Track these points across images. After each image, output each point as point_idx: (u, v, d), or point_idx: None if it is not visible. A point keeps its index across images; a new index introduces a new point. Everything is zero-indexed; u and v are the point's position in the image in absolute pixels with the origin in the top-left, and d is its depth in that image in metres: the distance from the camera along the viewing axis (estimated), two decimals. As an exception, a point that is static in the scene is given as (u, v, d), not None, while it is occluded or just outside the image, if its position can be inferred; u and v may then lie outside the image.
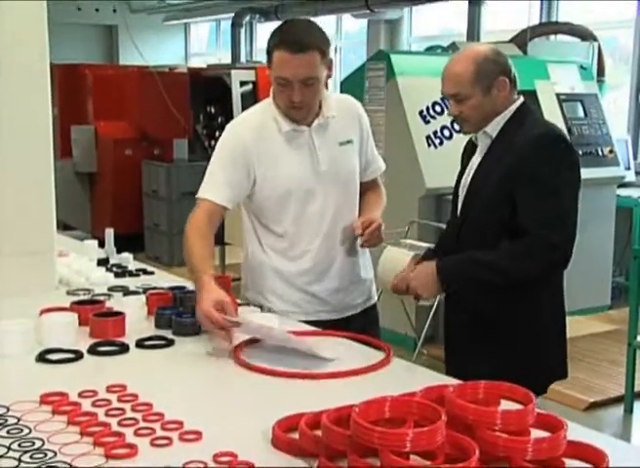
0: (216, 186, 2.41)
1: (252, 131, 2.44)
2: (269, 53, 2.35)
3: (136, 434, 1.57)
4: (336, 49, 11.59)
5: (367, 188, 2.66)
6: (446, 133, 5.41)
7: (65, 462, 1.45)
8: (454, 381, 1.79)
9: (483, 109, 2.35)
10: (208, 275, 2.20)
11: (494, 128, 2.38)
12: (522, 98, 2.42)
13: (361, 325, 2.49)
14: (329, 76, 2.40)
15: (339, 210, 2.51)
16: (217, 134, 8.59)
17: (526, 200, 2.29)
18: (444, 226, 5.06)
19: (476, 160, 2.45)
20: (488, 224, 2.36)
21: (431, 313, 4.80)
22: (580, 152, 5.99)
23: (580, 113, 6.19)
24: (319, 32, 2.37)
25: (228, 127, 2.50)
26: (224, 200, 2.40)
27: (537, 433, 1.46)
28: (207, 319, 2.07)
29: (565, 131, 5.96)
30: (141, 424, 1.62)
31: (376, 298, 2.73)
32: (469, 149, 2.53)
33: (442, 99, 5.44)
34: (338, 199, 2.50)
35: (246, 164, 2.42)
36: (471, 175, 2.43)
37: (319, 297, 2.52)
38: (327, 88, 2.45)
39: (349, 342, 2.24)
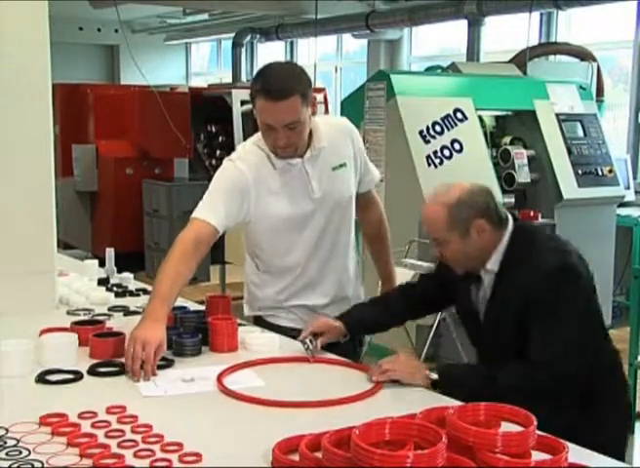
0: (213, 209, 2.43)
1: (251, 168, 2.47)
2: (253, 98, 2.39)
3: (135, 456, 1.57)
4: (336, 69, 11.65)
5: (366, 210, 2.76)
6: (446, 152, 5.42)
7: (65, 484, 1.44)
8: (454, 402, 1.79)
9: (465, 252, 2.25)
10: (166, 309, 2.23)
11: (494, 263, 2.27)
12: (510, 227, 2.28)
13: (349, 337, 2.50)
14: (313, 113, 2.44)
15: (333, 231, 2.59)
16: (217, 153, 8.62)
17: (538, 332, 2.14)
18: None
19: (482, 294, 2.32)
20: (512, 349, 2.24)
21: (432, 332, 4.79)
22: (580, 172, 6.01)
23: (580, 133, 6.20)
24: (299, 75, 2.40)
25: (228, 161, 2.52)
26: (218, 223, 2.41)
27: (537, 455, 1.46)
28: (136, 348, 2.08)
29: (565, 150, 6.00)
30: (141, 446, 1.61)
31: None
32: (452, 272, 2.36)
33: (442, 119, 5.47)
34: (332, 222, 2.58)
35: (243, 199, 2.46)
36: (483, 311, 2.31)
37: (313, 311, 2.59)
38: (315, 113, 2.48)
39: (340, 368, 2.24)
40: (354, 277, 2.71)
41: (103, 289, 2.98)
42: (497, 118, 6.18)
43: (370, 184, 2.75)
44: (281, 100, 2.31)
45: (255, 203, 2.47)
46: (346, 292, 2.66)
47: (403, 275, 4.72)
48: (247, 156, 2.51)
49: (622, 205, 6.42)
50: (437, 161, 5.37)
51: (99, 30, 13.48)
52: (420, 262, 4.84)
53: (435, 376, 2.07)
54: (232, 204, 2.44)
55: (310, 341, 2.27)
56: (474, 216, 2.22)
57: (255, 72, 2.50)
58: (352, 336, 2.40)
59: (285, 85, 2.33)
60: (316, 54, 10.23)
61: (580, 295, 2.21)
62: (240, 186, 2.45)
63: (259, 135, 2.52)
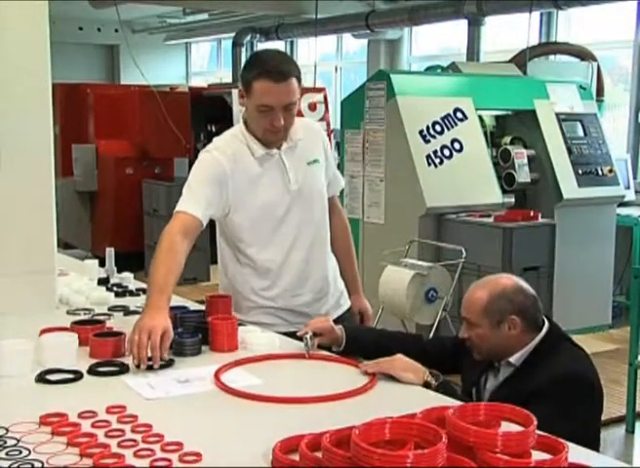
0: (194, 201, 2.48)
1: (229, 158, 2.54)
2: (248, 83, 2.47)
3: (135, 455, 1.56)
4: (336, 69, 11.65)
5: (331, 216, 2.79)
6: (446, 152, 5.42)
7: (65, 484, 1.44)
8: (454, 402, 1.79)
9: (490, 342, 2.29)
10: (165, 298, 2.26)
11: (517, 360, 2.30)
12: (545, 329, 2.31)
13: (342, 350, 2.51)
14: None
15: (311, 227, 2.65)
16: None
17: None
18: (444, 245, 5.10)
19: (493, 381, 2.35)
20: None
21: (432, 331, 4.79)
22: (580, 171, 6.02)
23: (580, 133, 6.21)
24: (292, 60, 2.57)
25: (205, 153, 2.58)
26: (201, 214, 2.46)
27: (538, 455, 1.46)
28: (142, 336, 2.09)
29: (565, 150, 6.00)
30: (141, 446, 1.61)
31: (348, 305, 2.83)
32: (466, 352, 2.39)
33: (442, 119, 5.48)
34: (309, 216, 2.65)
35: (221, 188, 2.52)
36: (487, 397, 2.31)
37: (298, 311, 2.64)
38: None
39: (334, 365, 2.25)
40: (333, 274, 2.77)
41: (103, 288, 2.98)
42: (497, 118, 6.19)
43: (335, 190, 2.83)
44: (282, 82, 2.43)
45: (233, 192, 2.53)
46: (328, 288, 2.73)
47: (403, 275, 4.73)
48: (224, 146, 2.57)
49: (622, 204, 6.43)
50: (437, 161, 5.38)
51: (99, 30, 13.48)
52: (420, 262, 4.84)
53: (433, 382, 2.05)
54: (212, 194, 2.50)
55: (310, 338, 2.28)
56: (511, 312, 2.27)
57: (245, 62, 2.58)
58: (345, 351, 2.37)
59: (285, 67, 2.46)
60: (316, 54, 10.24)
61: (585, 407, 2.20)
62: (218, 176, 2.51)
63: (236, 128, 2.62)
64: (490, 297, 2.29)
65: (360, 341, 2.42)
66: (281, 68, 2.44)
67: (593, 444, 2.22)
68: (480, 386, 2.38)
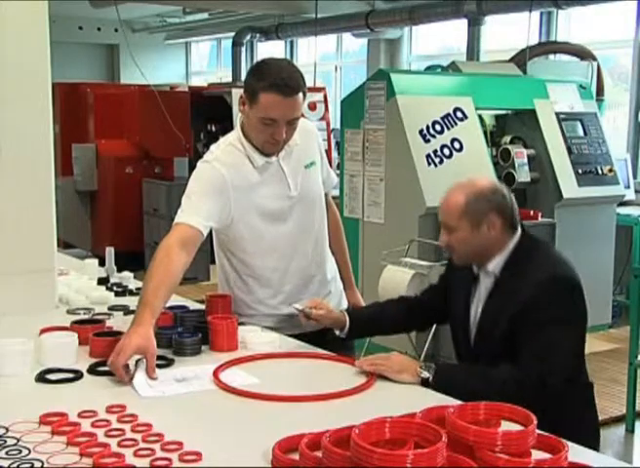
0: (194, 212, 2.41)
1: (229, 169, 2.48)
2: (255, 93, 2.40)
3: (135, 455, 1.56)
4: (336, 68, 11.65)
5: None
6: (446, 151, 5.42)
7: (65, 483, 1.44)
8: (454, 402, 1.79)
9: (470, 244, 2.26)
10: (149, 311, 2.16)
11: (495, 266, 2.28)
12: (519, 233, 2.30)
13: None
14: None
15: (311, 231, 2.63)
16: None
17: (526, 341, 2.14)
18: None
19: (477, 298, 2.34)
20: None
21: (432, 331, 4.79)
22: (580, 171, 6.02)
23: (580, 132, 6.20)
24: (301, 73, 2.47)
25: (204, 163, 2.51)
26: (201, 225, 2.39)
27: (538, 454, 1.46)
28: (119, 355, 2.02)
29: (565, 150, 5.99)
30: (141, 445, 1.61)
31: (346, 304, 2.83)
32: (459, 274, 2.40)
33: (442, 118, 5.47)
34: (310, 221, 2.63)
35: (223, 199, 2.46)
36: (479, 314, 2.32)
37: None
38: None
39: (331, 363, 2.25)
40: (334, 275, 2.77)
41: (103, 288, 2.98)
42: (497, 117, 6.18)
43: (328, 187, 2.80)
44: (291, 96, 2.38)
45: (235, 202, 2.48)
46: (329, 290, 2.72)
47: (403, 274, 4.73)
48: (223, 157, 2.51)
49: (622, 204, 6.43)
50: (437, 160, 5.37)
51: (98, 29, 13.48)
52: (420, 261, 4.84)
53: (426, 375, 2.06)
54: (214, 205, 2.44)
55: (305, 309, 2.31)
56: (490, 211, 2.24)
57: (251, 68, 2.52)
58: (349, 335, 2.38)
59: (295, 81, 2.40)
60: (316, 53, 10.24)
61: (573, 307, 2.24)
62: (219, 187, 2.45)
63: (234, 136, 2.56)
64: (467, 199, 2.24)
65: (361, 323, 2.44)
66: (291, 82, 2.38)
67: (591, 402, 2.31)
68: (466, 309, 2.35)
